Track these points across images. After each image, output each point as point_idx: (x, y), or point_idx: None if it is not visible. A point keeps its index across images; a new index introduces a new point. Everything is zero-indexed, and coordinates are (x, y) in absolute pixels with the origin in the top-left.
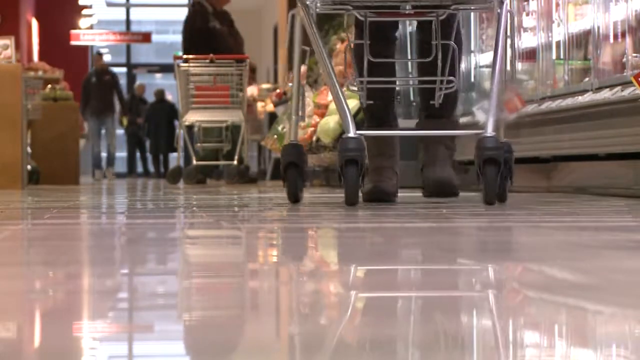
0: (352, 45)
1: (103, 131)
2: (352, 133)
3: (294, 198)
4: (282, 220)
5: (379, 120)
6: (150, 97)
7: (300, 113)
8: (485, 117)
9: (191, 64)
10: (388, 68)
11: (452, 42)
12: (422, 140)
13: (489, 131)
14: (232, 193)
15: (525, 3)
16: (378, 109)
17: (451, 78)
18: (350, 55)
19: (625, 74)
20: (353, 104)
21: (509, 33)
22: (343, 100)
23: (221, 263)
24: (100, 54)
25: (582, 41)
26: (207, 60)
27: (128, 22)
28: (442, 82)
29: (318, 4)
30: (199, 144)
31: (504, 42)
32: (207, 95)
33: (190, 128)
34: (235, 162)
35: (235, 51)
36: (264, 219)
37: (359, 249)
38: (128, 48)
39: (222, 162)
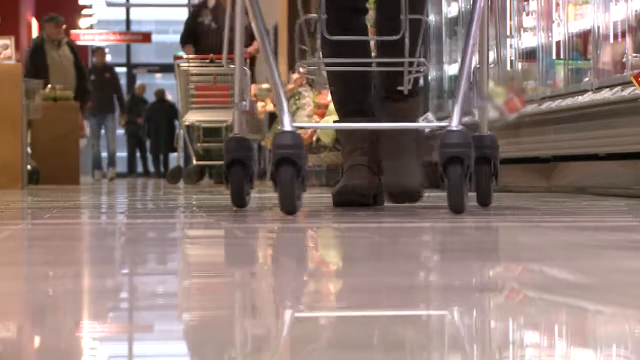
0: (306, 20)
1: (103, 130)
2: (287, 127)
3: (239, 202)
4: (281, 220)
5: (349, 109)
6: (150, 97)
7: (244, 101)
8: (484, 117)
9: (191, 64)
10: (357, 46)
11: (424, 17)
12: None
13: (454, 124)
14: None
15: (525, 3)
16: (347, 95)
17: (422, 60)
18: (302, 31)
19: (625, 74)
20: None
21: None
22: (280, 87)
23: (220, 263)
24: (102, 50)
25: (580, 41)
26: (208, 60)
27: (128, 22)
28: (411, 64)
29: None
30: (198, 144)
31: (481, 22)
32: (207, 95)
33: (189, 128)
34: None
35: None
36: (264, 219)
37: (359, 248)
38: (128, 48)
39: (219, 162)
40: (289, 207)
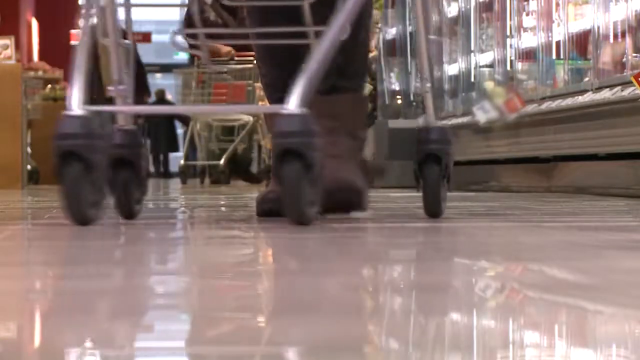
0: None
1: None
2: (75, 109)
3: (77, 215)
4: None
5: (281, 95)
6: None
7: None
8: (483, 117)
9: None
10: (278, 14)
11: None
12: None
13: (292, 106)
14: (232, 193)
15: (525, 3)
16: (277, 78)
17: (323, 29)
18: None
19: (625, 74)
20: None
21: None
22: (82, 64)
23: (219, 263)
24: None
25: (577, 45)
26: (227, 58)
27: None
28: (318, 34)
29: None
30: (211, 143)
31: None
32: (221, 93)
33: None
34: (221, 162)
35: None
36: (261, 219)
37: (356, 248)
38: None
39: (208, 162)
40: (76, 215)
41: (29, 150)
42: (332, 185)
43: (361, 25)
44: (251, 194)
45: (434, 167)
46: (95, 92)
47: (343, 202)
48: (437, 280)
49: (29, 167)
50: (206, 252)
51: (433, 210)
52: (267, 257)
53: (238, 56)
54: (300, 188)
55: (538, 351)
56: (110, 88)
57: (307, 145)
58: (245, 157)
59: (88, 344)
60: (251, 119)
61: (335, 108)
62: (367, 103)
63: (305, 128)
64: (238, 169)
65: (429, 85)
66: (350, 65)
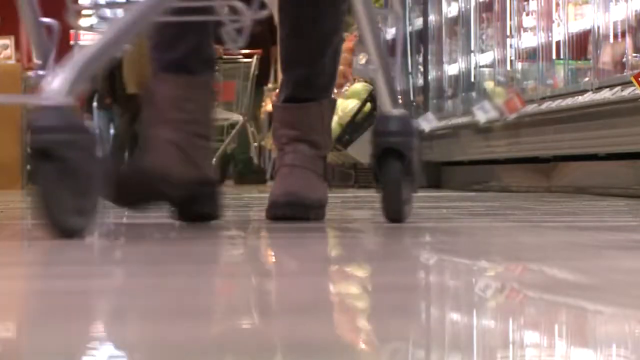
0: None
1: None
2: None
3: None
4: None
5: (166, 60)
6: None
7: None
8: (483, 117)
9: None
10: None
11: None
12: (277, 138)
13: (53, 97)
14: (232, 193)
15: (525, 3)
16: (166, 45)
17: (235, 3)
18: None
19: (625, 74)
20: (353, 104)
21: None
22: None
23: (219, 262)
24: None
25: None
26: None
27: None
28: (233, 10)
29: None
30: None
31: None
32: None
33: None
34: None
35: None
36: (262, 219)
37: (354, 248)
38: None
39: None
40: None
41: (29, 150)
42: (279, 197)
43: (329, 39)
44: (249, 194)
45: (394, 164)
46: (117, 90)
47: (289, 214)
48: (436, 279)
49: (29, 167)
50: (207, 252)
51: (393, 213)
52: (268, 257)
53: (226, 54)
54: (56, 194)
55: (538, 351)
56: (29, 74)
57: (67, 144)
58: (235, 157)
59: (88, 344)
60: (240, 118)
61: (296, 117)
62: (333, 111)
63: (67, 123)
64: (227, 169)
65: (372, 67)
66: (316, 78)
